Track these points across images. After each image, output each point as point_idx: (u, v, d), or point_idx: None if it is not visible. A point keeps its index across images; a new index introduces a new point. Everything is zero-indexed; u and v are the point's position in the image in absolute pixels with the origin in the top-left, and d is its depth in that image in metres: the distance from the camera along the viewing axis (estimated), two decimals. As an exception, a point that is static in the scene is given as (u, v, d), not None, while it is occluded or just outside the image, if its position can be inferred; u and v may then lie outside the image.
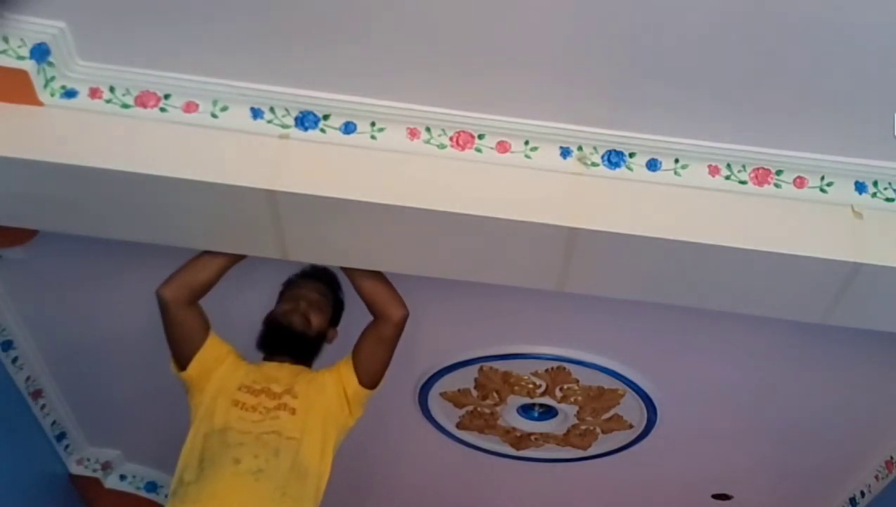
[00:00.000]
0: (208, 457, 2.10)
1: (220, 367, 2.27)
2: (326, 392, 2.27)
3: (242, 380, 2.24)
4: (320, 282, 2.44)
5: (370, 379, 2.31)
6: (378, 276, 2.33)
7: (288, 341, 2.34)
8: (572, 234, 2.09)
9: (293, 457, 2.12)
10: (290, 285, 2.46)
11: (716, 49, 1.89)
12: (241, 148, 2.10)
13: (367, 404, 2.36)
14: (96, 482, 3.66)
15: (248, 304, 2.56)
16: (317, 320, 2.37)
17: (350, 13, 1.90)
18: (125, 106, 2.11)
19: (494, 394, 3.22)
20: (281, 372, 2.29)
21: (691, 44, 1.88)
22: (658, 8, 1.81)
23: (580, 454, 3.54)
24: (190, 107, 2.12)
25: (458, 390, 3.22)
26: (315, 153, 2.11)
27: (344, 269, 2.37)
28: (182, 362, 2.27)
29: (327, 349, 2.45)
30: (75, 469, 3.64)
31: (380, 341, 2.31)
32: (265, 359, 2.36)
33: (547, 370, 3.07)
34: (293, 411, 2.19)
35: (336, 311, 2.47)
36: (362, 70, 2.04)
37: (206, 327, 2.29)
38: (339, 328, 2.49)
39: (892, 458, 3.30)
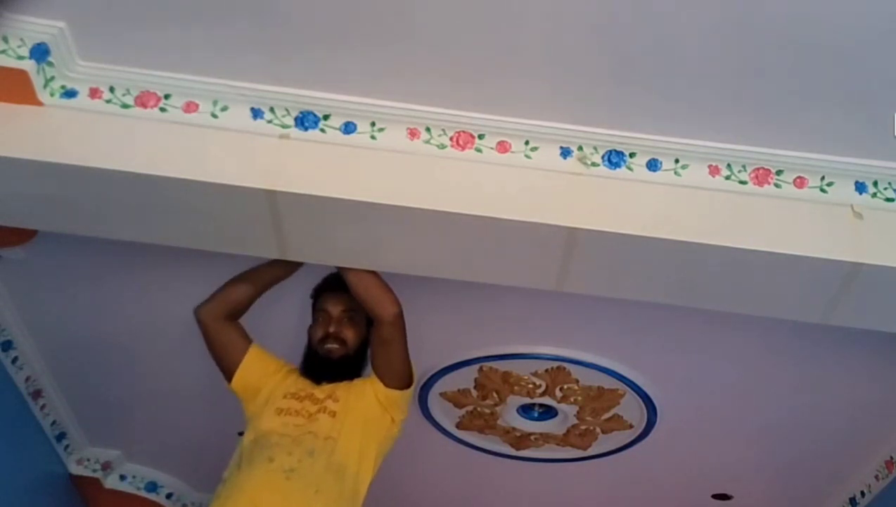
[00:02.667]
0: (247, 457, 2.16)
1: (271, 381, 2.33)
2: (366, 398, 2.31)
3: (289, 389, 2.31)
4: (343, 291, 2.40)
5: (395, 381, 2.33)
6: (368, 276, 2.31)
7: (333, 371, 2.35)
8: (572, 234, 2.09)
9: (328, 457, 2.16)
10: (316, 299, 2.46)
11: (716, 49, 1.89)
12: (241, 148, 2.10)
13: (407, 404, 2.39)
14: (96, 482, 3.66)
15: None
16: (352, 335, 2.38)
17: (350, 14, 1.90)
18: (125, 106, 2.11)
19: (494, 394, 3.22)
20: None
21: (691, 44, 1.88)
22: (658, 8, 1.81)
23: (580, 454, 3.54)
24: (190, 107, 2.12)
25: (458, 390, 3.22)
26: (315, 153, 2.11)
27: (338, 269, 2.37)
28: (228, 375, 2.34)
29: None
30: (75, 469, 3.64)
31: (383, 342, 2.31)
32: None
33: (547, 370, 3.07)
34: (333, 415, 2.23)
35: None
36: (362, 70, 2.05)
37: (245, 342, 2.37)
38: None
39: (892, 458, 3.30)
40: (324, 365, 2.35)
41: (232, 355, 2.34)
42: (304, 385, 2.32)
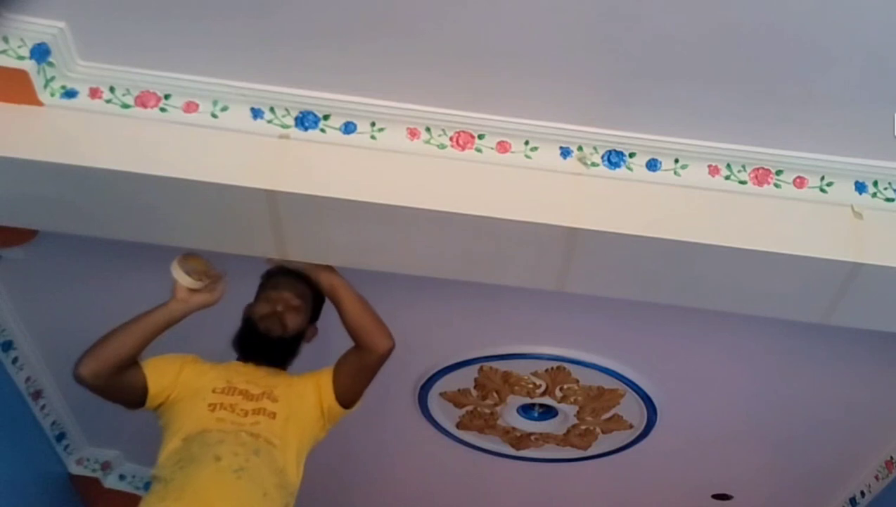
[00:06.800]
0: (187, 457, 2.05)
1: (179, 378, 2.19)
2: (306, 401, 2.23)
3: (214, 383, 2.18)
4: (300, 280, 2.33)
5: (346, 401, 2.27)
6: (364, 306, 2.26)
7: (264, 349, 2.27)
8: (572, 234, 2.09)
9: (271, 461, 2.09)
10: (269, 279, 2.37)
11: (716, 50, 1.89)
12: (241, 148, 2.10)
13: (339, 422, 2.32)
14: (96, 482, 3.66)
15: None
16: (294, 322, 2.29)
17: (350, 14, 1.91)
18: (125, 106, 2.11)
19: (494, 394, 3.22)
20: (257, 373, 2.24)
21: (691, 44, 1.88)
22: (657, 9, 1.81)
23: (580, 454, 3.54)
24: (190, 107, 2.12)
25: (458, 390, 3.22)
26: (315, 153, 2.11)
27: (331, 299, 2.28)
28: (133, 406, 2.20)
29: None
30: (75, 469, 3.64)
31: (362, 369, 2.25)
32: (239, 359, 2.31)
33: (547, 370, 3.07)
34: (273, 416, 2.14)
35: (316, 307, 2.38)
36: (362, 70, 2.05)
37: (139, 373, 2.15)
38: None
39: (892, 458, 3.30)
40: (258, 342, 2.26)
41: (131, 392, 2.15)
42: (233, 378, 2.19)
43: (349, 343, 2.26)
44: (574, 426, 3.38)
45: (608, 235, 2.08)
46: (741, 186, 2.15)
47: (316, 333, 2.40)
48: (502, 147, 2.14)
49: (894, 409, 3.05)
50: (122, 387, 2.14)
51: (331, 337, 2.34)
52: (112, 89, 2.11)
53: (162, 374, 2.18)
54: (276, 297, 2.30)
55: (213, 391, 2.16)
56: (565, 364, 3.03)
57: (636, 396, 3.13)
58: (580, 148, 2.15)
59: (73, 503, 3.64)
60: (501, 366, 3.08)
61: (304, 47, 2.00)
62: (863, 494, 3.50)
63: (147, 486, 3.73)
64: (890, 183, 2.17)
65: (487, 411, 3.33)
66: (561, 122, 2.12)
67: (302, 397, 2.22)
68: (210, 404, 2.13)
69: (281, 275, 2.36)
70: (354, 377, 2.26)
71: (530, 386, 3.16)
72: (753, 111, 2.05)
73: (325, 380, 2.26)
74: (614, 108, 2.08)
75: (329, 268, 2.31)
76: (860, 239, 2.11)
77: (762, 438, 3.33)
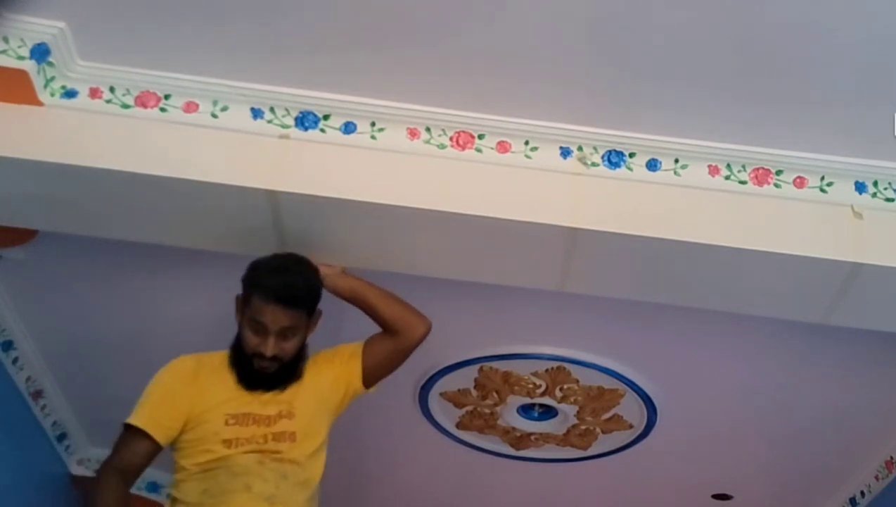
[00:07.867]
0: (214, 486, 2.02)
1: (186, 415, 2.09)
2: (323, 394, 2.18)
3: (227, 410, 2.07)
4: (286, 303, 2.05)
5: (371, 382, 2.28)
6: (390, 299, 2.24)
7: (265, 381, 2.12)
8: (572, 234, 2.09)
9: (298, 479, 2.08)
10: (252, 296, 2.07)
11: (715, 49, 1.89)
12: (241, 148, 2.10)
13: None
14: (97, 482, 3.66)
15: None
16: (290, 348, 2.09)
17: (351, 14, 1.91)
18: (125, 106, 2.11)
19: (494, 394, 3.22)
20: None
21: (691, 44, 1.88)
22: (657, 9, 1.81)
23: (580, 454, 3.54)
24: (190, 107, 2.12)
25: (458, 390, 3.22)
26: (315, 153, 2.11)
27: (356, 302, 2.23)
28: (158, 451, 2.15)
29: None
30: (76, 470, 3.63)
31: (398, 353, 2.27)
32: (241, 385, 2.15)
33: (547, 370, 3.07)
34: (293, 438, 2.08)
35: (313, 304, 2.15)
36: (362, 70, 2.05)
37: (144, 443, 2.11)
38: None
39: (892, 458, 3.30)
40: (258, 378, 2.10)
41: (151, 459, 2.14)
42: (243, 401, 2.09)
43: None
44: (574, 426, 3.37)
45: (608, 235, 2.08)
46: (741, 186, 2.16)
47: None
48: (502, 147, 2.15)
49: (894, 409, 3.05)
50: (145, 467, 2.16)
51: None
52: (112, 89, 2.11)
53: (168, 428, 2.09)
54: (263, 331, 2.06)
55: (227, 424, 2.06)
56: (565, 364, 3.03)
57: (636, 396, 3.13)
58: (580, 148, 2.15)
59: (75, 504, 3.64)
60: (501, 366, 3.08)
61: (305, 47, 2.00)
62: (863, 494, 3.50)
63: (149, 486, 3.77)
64: (890, 183, 2.17)
65: (487, 411, 3.33)
66: (561, 122, 2.13)
67: (318, 393, 2.17)
68: (225, 441, 2.05)
69: (265, 297, 2.05)
70: (387, 362, 2.28)
71: (530, 386, 3.16)
72: (753, 111, 2.05)
73: (353, 364, 2.24)
74: (614, 108, 2.08)
75: (341, 273, 2.26)
76: (860, 239, 2.11)
77: (762, 438, 3.33)
